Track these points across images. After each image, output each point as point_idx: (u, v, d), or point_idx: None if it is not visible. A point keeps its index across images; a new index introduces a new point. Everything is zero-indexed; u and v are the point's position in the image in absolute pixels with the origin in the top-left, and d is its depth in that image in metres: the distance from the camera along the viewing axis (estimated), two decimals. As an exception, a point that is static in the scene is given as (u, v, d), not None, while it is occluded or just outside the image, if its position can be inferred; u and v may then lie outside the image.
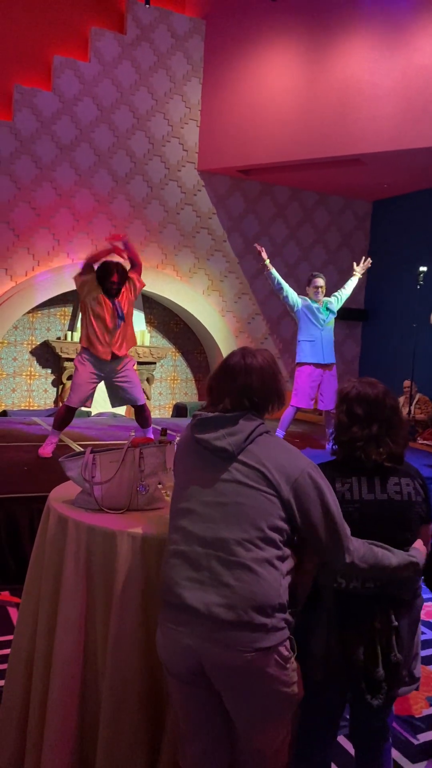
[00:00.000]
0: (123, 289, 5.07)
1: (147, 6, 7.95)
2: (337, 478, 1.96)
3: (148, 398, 9.04)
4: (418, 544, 1.93)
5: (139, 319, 8.87)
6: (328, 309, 6.20)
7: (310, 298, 6.19)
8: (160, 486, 2.28)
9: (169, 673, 1.80)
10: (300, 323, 6.24)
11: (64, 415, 5.16)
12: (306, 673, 1.96)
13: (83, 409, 8.11)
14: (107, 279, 4.96)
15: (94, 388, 5.21)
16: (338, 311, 6.34)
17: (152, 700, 2.06)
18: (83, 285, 5.02)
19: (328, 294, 6.35)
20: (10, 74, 7.87)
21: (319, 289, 6.15)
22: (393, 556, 1.82)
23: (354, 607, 1.89)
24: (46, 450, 5.20)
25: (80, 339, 5.19)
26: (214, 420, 1.80)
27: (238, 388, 1.82)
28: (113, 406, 5.51)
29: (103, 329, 5.04)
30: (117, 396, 5.35)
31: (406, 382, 7.61)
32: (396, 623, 1.87)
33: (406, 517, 1.94)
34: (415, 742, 2.68)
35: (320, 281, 6.16)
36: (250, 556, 1.68)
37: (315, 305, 6.17)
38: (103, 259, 5.08)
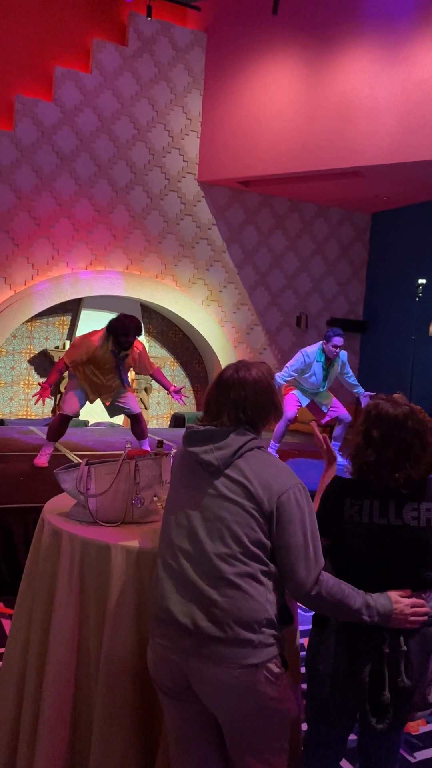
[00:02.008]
0: (129, 357, 5.07)
1: (148, 18, 8.00)
2: (347, 497, 1.89)
3: (145, 408, 9.03)
4: (394, 593, 1.79)
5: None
6: (328, 373, 6.02)
7: (323, 355, 5.95)
8: (155, 499, 2.26)
9: (159, 689, 1.79)
10: (305, 370, 6.05)
11: (58, 425, 5.14)
12: (313, 691, 1.93)
13: (80, 418, 8.12)
14: (121, 335, 4.87)
15: (86, 401, 5.24)
16: (333, 324, 6.30)
17: (145, 715, 2.03)
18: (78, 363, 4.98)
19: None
20: (12, 85, 7.90)
21: (338, 349, 5.90)
22: (358, 597, 1.73)
23: (362, 630, 1.82)
24: (42, 460, 5.18)
25: (73, 364, 5.12)
26: (203, 433, 1.79)
27: (232, 402, 1.80)
28: (111, 416, 5.51)
29: (100, 385, 5.08)
30: (113, 406, 5.35)
31: (396, 395, 7.59)
32: (405, 648, 1.80)
33: (424, 544, 1.85)
34: (412, 760, 2.65)
35: (340, 340, 5.87)
36: (233, 571, 1.67)
37: (323, 365, 5.98)
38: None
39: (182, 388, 5.48)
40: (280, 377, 5.93)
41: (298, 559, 1.68)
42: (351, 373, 6.25)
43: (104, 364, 4.99)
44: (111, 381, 5.12)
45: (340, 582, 1.73)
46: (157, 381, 5.43)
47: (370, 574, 1.83)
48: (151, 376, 5.40)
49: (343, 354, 6.10)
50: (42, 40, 8.03)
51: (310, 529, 1.72)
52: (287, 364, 6.08)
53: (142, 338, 8.96)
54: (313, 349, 6.01)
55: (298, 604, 2.18)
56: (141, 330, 5.02)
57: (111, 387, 5.17)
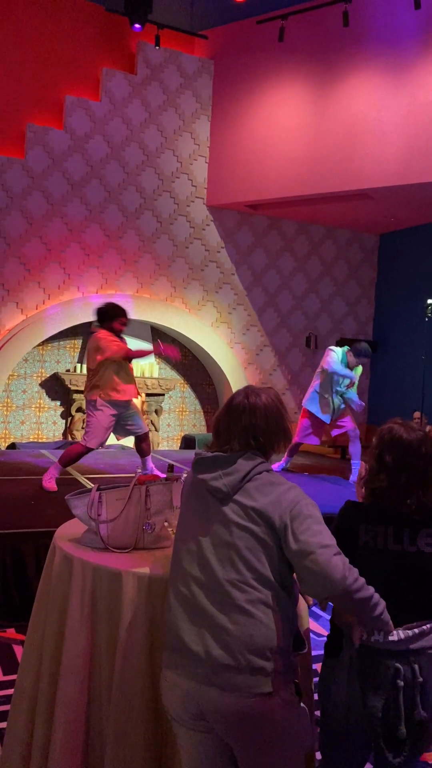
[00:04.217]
0: None
1: (157, 47, 8.15)
2: (362, 523, 1.89)
3: (156, 429, 9.04)
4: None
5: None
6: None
7: (346, 359, 6.12)
8: (166, 524, 2.26)
9: (172, 718, 1.77)
10: (326, 379, 6.10)
11: (76, 456, 5.15)
12: (327, 722, 1.90)
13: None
14: (121, 317, 5.11)
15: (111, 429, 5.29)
16: (343, 344, 6.38)
17: (157, 744, 2.02)
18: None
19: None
20: (24, 113, 8.06)
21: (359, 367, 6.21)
22: (382, 603, 1.70)
23: (376, 661, 1.79)
24: (50, 484, 5.18)
25: (98, 392, 5.14)
26: (212, 460, 1.80)
27: (242, 428, 1.81)
28: (118, 438, 5.58)
29: (126, 372, 5.21)
30: (123, 428, 5.39)
31: (416, 414, 7.57)
32: (421, 679, 1.76)
33: None
34: (429, 790, 2.59)
35: (366, 362, 6.27)
36: (245, 597, 1.66)
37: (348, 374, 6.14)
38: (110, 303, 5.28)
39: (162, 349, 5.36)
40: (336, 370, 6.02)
41: (329, 549, 1.62)
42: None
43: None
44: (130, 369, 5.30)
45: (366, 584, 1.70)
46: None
47: (384, 600, 1.81)
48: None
49: (359, 369, 6.27)
50: (52, 69, 8.20)
51: (328, 531, 1.68)
52: (332, 368, 6.03)
53: (152, 362, 9.00)
54: (338, 352, 6.13)
55: (311, 629, 2.16)
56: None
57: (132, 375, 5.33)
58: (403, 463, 1.87)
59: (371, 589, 1.68)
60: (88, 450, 5.15)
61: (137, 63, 8.51)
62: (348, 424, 6.26)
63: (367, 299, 10.13)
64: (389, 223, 9.29)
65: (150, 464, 5.61)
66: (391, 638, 1.78)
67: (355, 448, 6.25)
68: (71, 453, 5.17)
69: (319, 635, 3.46)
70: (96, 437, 5.08)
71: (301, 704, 1.73)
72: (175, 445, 9.32)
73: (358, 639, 1.79)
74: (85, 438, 5.14)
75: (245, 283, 9.29)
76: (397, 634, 1.78)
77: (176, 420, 9.52)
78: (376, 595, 1.70)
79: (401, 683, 1.76)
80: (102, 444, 5.20)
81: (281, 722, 1.66)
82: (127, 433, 5.44)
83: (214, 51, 8.88)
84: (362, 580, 1.66)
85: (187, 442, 8.74)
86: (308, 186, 8.03)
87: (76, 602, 2.05)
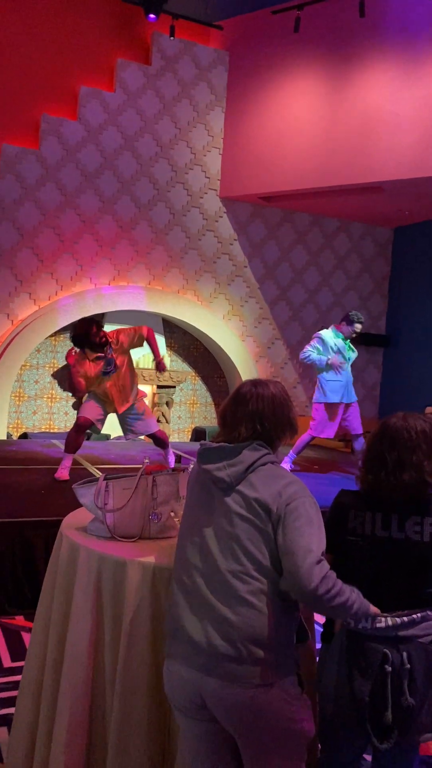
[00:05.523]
0: (115, 348, 5.15)
1: (171, 38, 8.12)
2: (352, 509, 1.91)
3: (167, 422, 9.06)
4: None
5: (159, 344, 8.92)
6: (351, 349, 6.13)
7: (342, 337, 6.02)
8: (172, 514, 2.27)
9: (174, 707, 1.79)
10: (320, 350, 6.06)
11: (75, 434, 5.21)
12: (321, 707, 1.92)
13: (103, 432, 8.14)
14: (89, 335, 5.01)
15: (105, 413, 5.30)
16: (354, 340, 6.26)
17: (160, 731, 2.03)
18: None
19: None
20: (38, 104, 8.06)
21: (355, 335, 6.05)
22: (357, 597, 1.67)
23: (364, 646, 1.80)
24: (63, 473, 5.22)
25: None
26: (217, 450, 1.79)
27: (249, 414, 1.80)
28: (126, 437, 5.56)
29: (103, 392, 5.19)
30: (129, 427, 5.41)
31: (428, 409, 7.54)
32: (409, 666, 1.77)
33: (427, 560, 1.83)
34: (432, 783, 2.60)
35: (360, 327, 6.00)
36: (246, 588, 1.66)
37: (343, 343, 6.04)
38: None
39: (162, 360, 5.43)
40: (313, 354, 5.93)
41: (311, 555, 1.61)
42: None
43: (102, 370, 5.12)
44: (119, 380, 5.20)
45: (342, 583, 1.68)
46: (150, 344, 5.30)
47: (371, 589, 1.81)
48: (147, 340, 5.27)
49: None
50: (67, 60, 8.19)
51: (318, 535, 1.66)
52: (307, 347, 6.02)
53: (163, 355, 9.01)
54: (327, 332, 6.03)
55: (315, 619, 2.17)
56: (95, 323, 5.13)
57: (124, 385, 5.22)
58: (390, 450, 1.87)
59: (346, 593, 1.64)
60: (79, 425, 5.19)
61: (152, 54, 8.48)
62: (353, 421, 6.22)
63: (380, 293, 10.07)
64: (403, 216, 9.21)
65: (170, 456, 5.60)
66: (378, 625, 1.78)
67: (359, 445, 6.23)
68: (69, 436, 5.26)
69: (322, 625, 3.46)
70: (82, 410, 5.21)
71: (303, 695, 1.73)
72: (186, 437, 9.34)
73: (338, 625, 1.82)
74: (79, 415, 5.29)
75: (257, 276, 9.27)
76: (385, 621, 1.79)
77: (187, 412, 9.54)
78: (353, 596, 1.66)
79: (389, 668, 1.76)
80: (93, 417, 5.19)
81: (281, 713, 1.66)
82: (135, 433, 5.45)
83: (229, 42, 8.83)
84: (338, 587, 1.62)
85: (198, 435, 8.76)
86: (322, 178, 7.99)
87: (81, 590, 2.07)
